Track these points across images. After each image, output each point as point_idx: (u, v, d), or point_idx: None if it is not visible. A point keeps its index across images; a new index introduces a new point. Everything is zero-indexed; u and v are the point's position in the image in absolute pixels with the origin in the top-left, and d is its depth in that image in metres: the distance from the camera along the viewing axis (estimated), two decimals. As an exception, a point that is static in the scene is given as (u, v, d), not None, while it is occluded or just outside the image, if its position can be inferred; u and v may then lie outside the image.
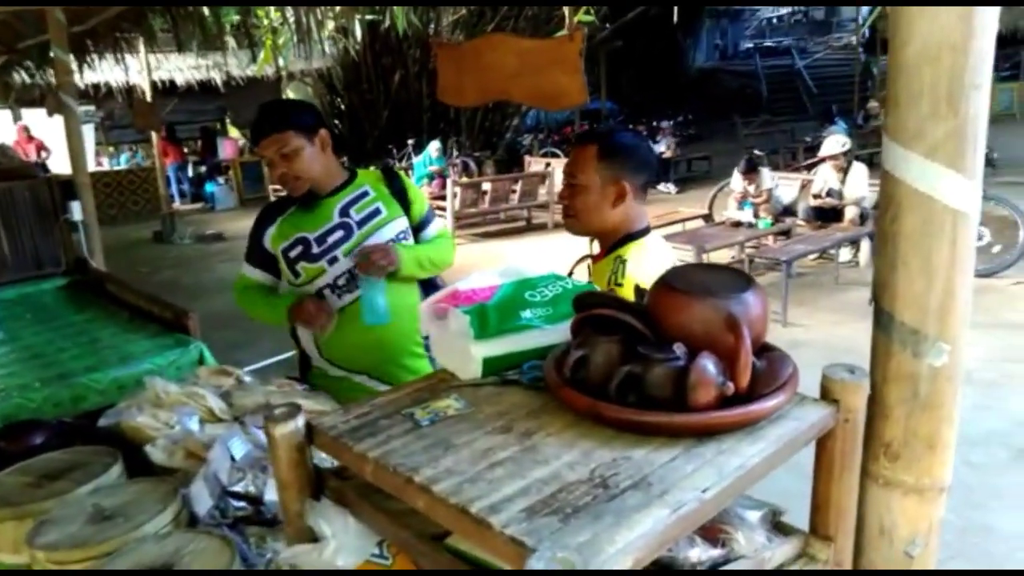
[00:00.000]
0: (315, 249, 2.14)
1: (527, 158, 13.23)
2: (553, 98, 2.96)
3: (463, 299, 1.19)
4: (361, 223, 2.14)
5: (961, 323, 1.07)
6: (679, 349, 0.98)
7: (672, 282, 1.07)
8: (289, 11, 4.24)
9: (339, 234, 2.14)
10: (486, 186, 10.27)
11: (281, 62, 6.52)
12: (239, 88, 13.38)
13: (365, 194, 2.18)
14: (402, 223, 2.21)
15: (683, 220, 7.88)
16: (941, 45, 0.98)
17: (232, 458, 1.77)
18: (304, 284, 2.19)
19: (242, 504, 1.68)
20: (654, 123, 14.55)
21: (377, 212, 2.17)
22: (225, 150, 14.94)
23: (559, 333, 1.19)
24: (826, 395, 1.06)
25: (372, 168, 2.39)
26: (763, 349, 1.10)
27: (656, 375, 0.99)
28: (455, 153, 12.94)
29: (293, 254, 2.16)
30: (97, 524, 1.44)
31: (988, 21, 0.98)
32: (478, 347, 1.15)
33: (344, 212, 2.14)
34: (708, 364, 0.96)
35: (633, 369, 1.00)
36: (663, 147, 13.08)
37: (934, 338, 1.06)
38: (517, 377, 1.16)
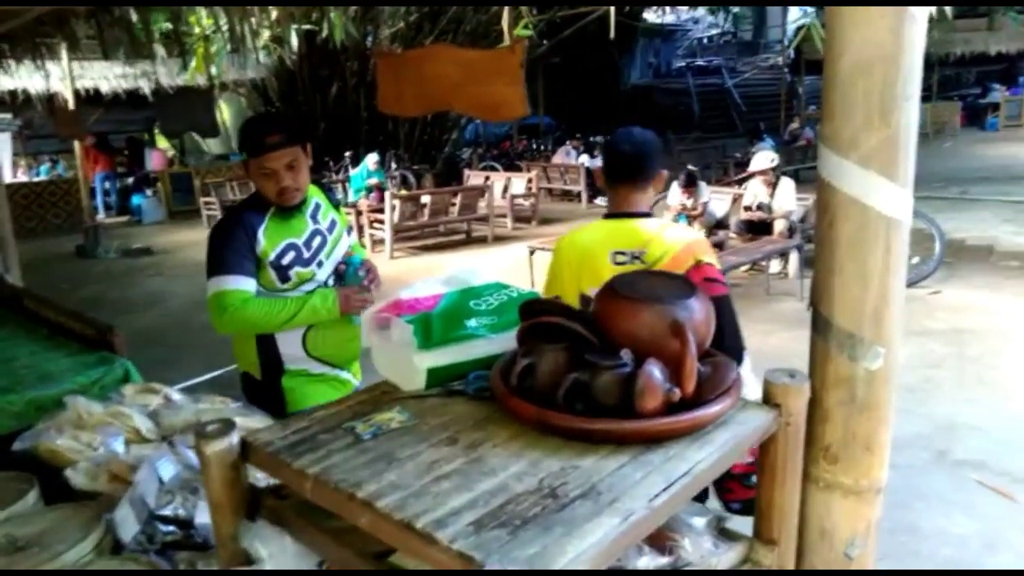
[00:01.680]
0: (306, 254, 2.19)
1: (466, 171, 13.23)
2: (494, 109, 2.95)
3: (406, 308, 1.16)
4: (328, 230, 2.25)
5: (895, 327, 1.10)
6: (626, 355, 0.98)
7: (618, 289, 1.07)
8: (222, 18, 4.13)
9: (318, 240, 2.23)
10: (425, 199, 10.20)
11: (214, 71, 6.33)
12: (169, 97, 12.96)
13: (319, 205, 2.27)
14: (346, 233, 2.35)
15: (621, 233, 7.97)
16: (874, 58, 1.02)
17: (160, 480, 1.69)
18: (291, 288, 2.19)
19: (171, 528, 1.60)
20: (591, 138, 14.77)
21: (334, 222, 2.28)
22: (153, 161, 14.43)
23: (505, 342, 1.18)
24: (768, 399, 1.08)
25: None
26: (707, 355, 1.11)
27: (603, 382, 0.98)
28: (393, 166, 12.84)
29: (286, 260, 2.16)
30: (9, 556, 1.34)
31: (916, 36, 1.02)
32: (422, 357, 1.12)
33: (314, 219, 2.23)
34: (655, 370, 0.96)
35: (580, 377, 0.99)
36: (600, 162, 13.27)
37: (870, 342, 1.09)
38: (462, 388, 1.13)
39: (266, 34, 6.06)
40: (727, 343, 2.01)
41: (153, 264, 10.01)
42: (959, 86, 19.90)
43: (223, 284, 2.07)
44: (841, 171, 1.06)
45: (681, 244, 1.88)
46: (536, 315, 1.08)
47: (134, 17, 4.50)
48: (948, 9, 3.93)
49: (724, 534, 1.13)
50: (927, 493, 3.49)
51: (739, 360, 2.09)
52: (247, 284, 2.09)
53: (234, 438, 1.02)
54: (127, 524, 1.53)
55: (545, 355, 1.03)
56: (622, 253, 1.87)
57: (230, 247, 2.08)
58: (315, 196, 2.28)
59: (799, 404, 1.07)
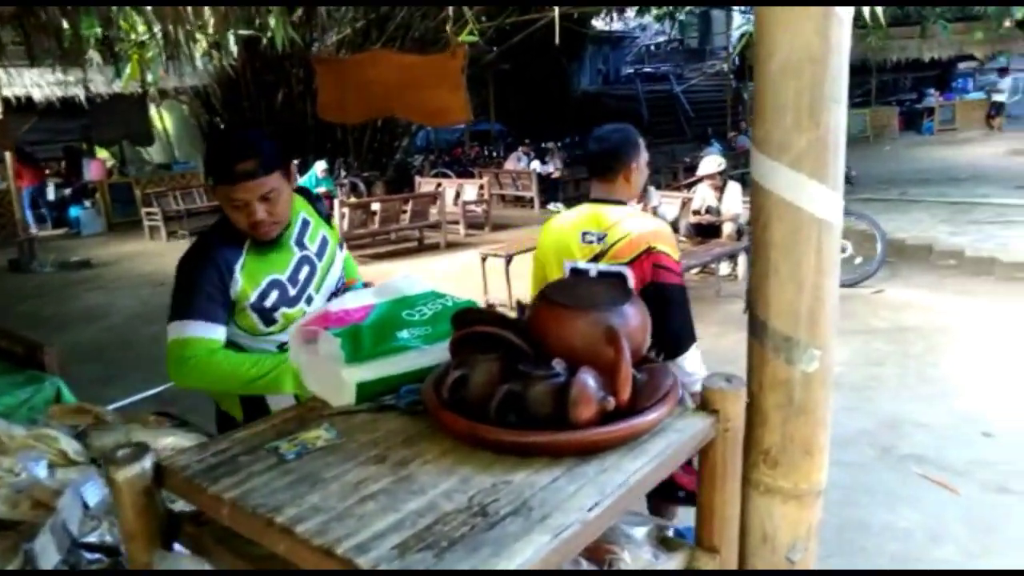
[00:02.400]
0: (292, 292, 1.85)
1: (417, 178, 13.14)
2: (436, 114, 2.92)
3: (334, 320, 1.12)
4: (318, 255, 1.90)
5: (830, 329, 1.10)
6: (559, 365, 0.95)
7: (552, 296, 1.04)
8: (156, 24, 4.00)
9: (306, 269, 1.88)
10: (375, 207, 10.08)
11: (150, 78, 6.13)
12: (101, 105, 12.54)
13: (307, 223, 1.92)
14: (339, 249, 2.02)
15: (572, 238, 8.01)
16: (802, 59, 1.01)
17: (85, 505, 1.60)
18: (278, 332, 1.85)
19: (97, 556, 1.52)
20: (542, 144, 14.84)
21: (325, 241, 1.94)
22: (91, 171, 13.96)
23: (439, 353, 1.14)
24: (706, 405, 1.06)
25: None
26: (643, 361, 1.09)
27: (536, 393, 0.95)
28: (343, 174, 12.67)
29: (269, 302, 1.81)
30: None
31: (843, 38, 1.02)
32: (351, 371, 1.07)
33: (300, 244, 1.88)
34: (588, 379, 0.94)
35: (513, 387, 0.95)
36: (551, 168, 13.34)
37: (805, 344, 1.08)
38: (394, 402, 1.09)
39: (204, 41, 5.91)
40: (675, 330, 2.10)
41: (92, 277, 9.67)
42: (896, 91, 20.60)
43: (187, 330, 1.71)
44: (773, 174, 1.06)
45: (638, 231, 2.13)
46: (469, 325, 1.05)
47: (64, 23, 4.33)
48: (880, 12, 4.04)
49: (664, 543, 1.11)
50: (874, 489, 3.56)
51: (684, 350, 2.14)
52: (215, 332, 1.74)
53: (147, 463, 0.96)
54: (47, 553, 1.44)
55: (478, 366, 1.00)
56: (589, 234, 2.20)
57: (199, 287, 1.74)
58: (301, 211, 1.92)
59: (736, 409, 1.05)
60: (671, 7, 14.07)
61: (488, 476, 0.90)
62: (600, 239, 2.17)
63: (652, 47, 28.58)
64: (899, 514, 3.30)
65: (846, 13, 1.01)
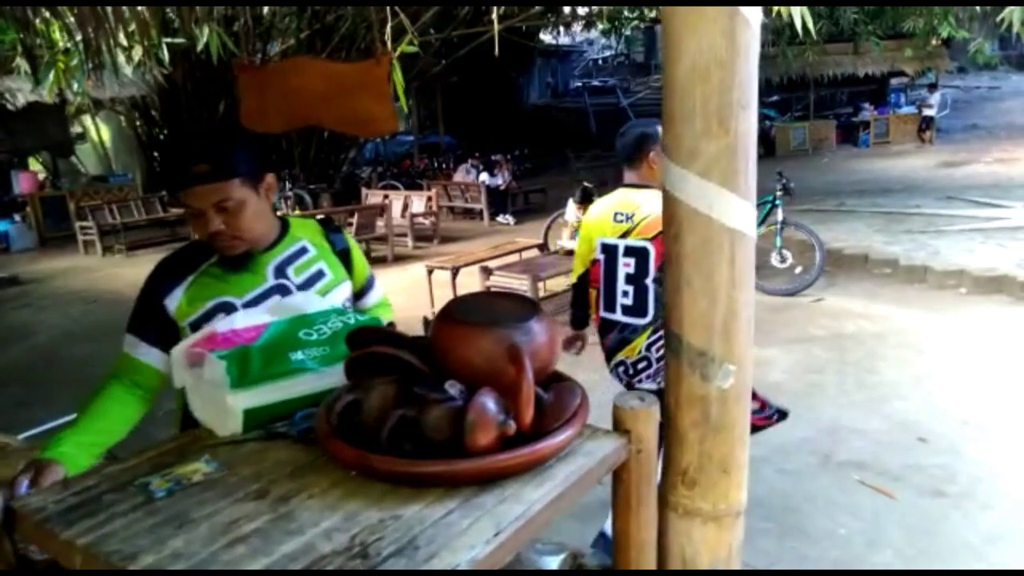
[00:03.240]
0: None
1: (365, 190, 12.96)
2: (362, 124, 2.83)
3: (221, 342, 1.03)
4: (303, 287, 1.62)
5: (745, 343, 1.06)
6: (453, 388, 0.88)
7: (453, 313, 0.97)
8: (77, 31, 3.82)
9: (274, 299, 1.61)
10: (319, 219, 9.89)
11: (75, 87, 5.88)
12: (18, 114, 12.00)
13: (304, 250, 1.69)
14: (346, 289, 1.75)
15: (519, 250, 7.98)
16: (710, 63, 0.98)
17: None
18: None
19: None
20: (491, 156, 14.82)
21: (321, 274, 1.68)
22: (21, 184, 13.39)
23: (338, 376, 1.06)
24: (618, 425, 1.01)
25: (304, 217, 1.89)
26: (554, 379, 1.03)
27: (432, 418, 0.88)
28: (288, 186, 12.42)
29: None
30: None
31: (751, 42, 0.98)
32: (237, 397, 0.98)
33: (280, 272, 1.61)
34: (488, 402, 0.87)
35: (407, 412, 0.88)
36: (500, 180, 13.32)
37: (720, 359, 1.04)
38: (285, 430, 1.01)
39: (137, 51, 5.70)
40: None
41: (20, 295, 9.23)
42: (833, 105, 21.23)
43: (126, 343, 1.55)
44: (683, 182, 1.01)
45: (655, 214, 2.37)
46: (365, 345, 0.97)
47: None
48: (811, 27, 4.11)
49: (581, 571, 1.05)
50: (814, 496, 3.58)
51: None
52: (143, 352, 1.53)
53: (-4, 506, 0.85)
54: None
55: (372, 390, 0.93)
56: (620, 214, 2.58)
57: (142, 298, 1.59)
58: (303, 238, 1.70)
59: (649, 430, 1.00)
60: (617, 23, 14.21)
61: (376, 511, 0.82)
62: (628, 218, 2.55)
63: (600, 61, 29.01)
64: (838, 521, 3.32)
65: (753, 16, 0.97)
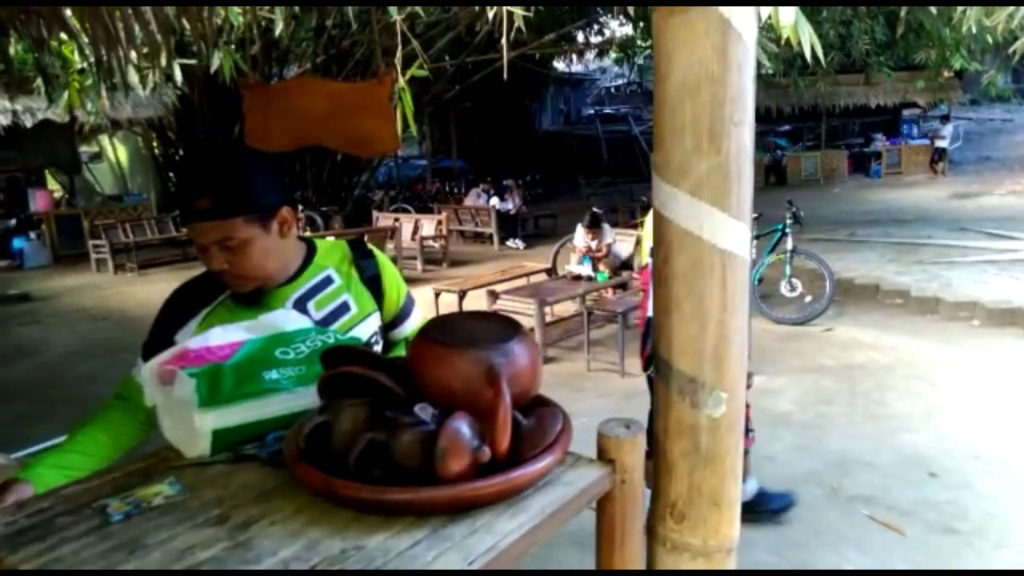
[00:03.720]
0: None
1: (376, 213, 13.02)
2: (364, 143, 2.82)
3: (193, 359, 0.99)
4: (323, 323, 1.47)
5: (738, 370, 1.02)
6: (424, 411, 0.84)
7: (431, 333, 0.94)
8: (90, 51, 3.86)
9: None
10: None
11: (89, 106, 5.95)
12: (29, 132, 12.17)
13: (328, 281, 1.55)
14: (374, 322, 1.59)
15: (527, 274, 7.95)
16: (701, 78, 0.94)
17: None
18: None
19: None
20: (503, 181, 14.87)
21: (345, 308, 1.53)
22: (38, 202, 13.54)
23: (314, 397, 1.02)
24: (602, 454, 0.96)
25: (333, 237, 1.76)
26: (536, 404, 0.98)
27: (403, 443, 0.84)
28: (300, 208, 12.49)
29: None
30: None
31: (743, 57, 0.95)
32: (205, 417, 0.95)
33: (300, 307, 1.48)
34: (461, 426, 0.83)
35: (376, 436, 0.84)
36: (511, 204, 13.35)
37: (711, 386, 0.99)
38: (255, 452, 0.97)
39: (155, 72, 5.79)
40: None
41: (30, 311, 9.28)
42: (845, 136, 21.22)
43: (135, 368, 1.43)
44: (673, 201, 0.98)
45: None
46: (337, 365, 0.94)
47: (12, 48, 4.17)
48: (820, 57, 4.10)
49: (579, 571, 1.00)
50: (821, 530, 3.49)
51: None
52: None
53: (-57, 526, 0.82)
54: None
55: (343, 412, 0.89)
56: None
57: (156, 328, 1.50)
58: (328, 267, 1.55)
59: (634, 459, 0.95)
60: (629, 51, 14.32)
61: (340, 540, 0.78)
62: None
63: (612, 89, 29.21)
64: (845, 556, 3.23)
65: (747, 32, 0.94)
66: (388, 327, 1.63)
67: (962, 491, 3.71)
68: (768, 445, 4.34)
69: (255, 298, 1.42)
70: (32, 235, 13.14)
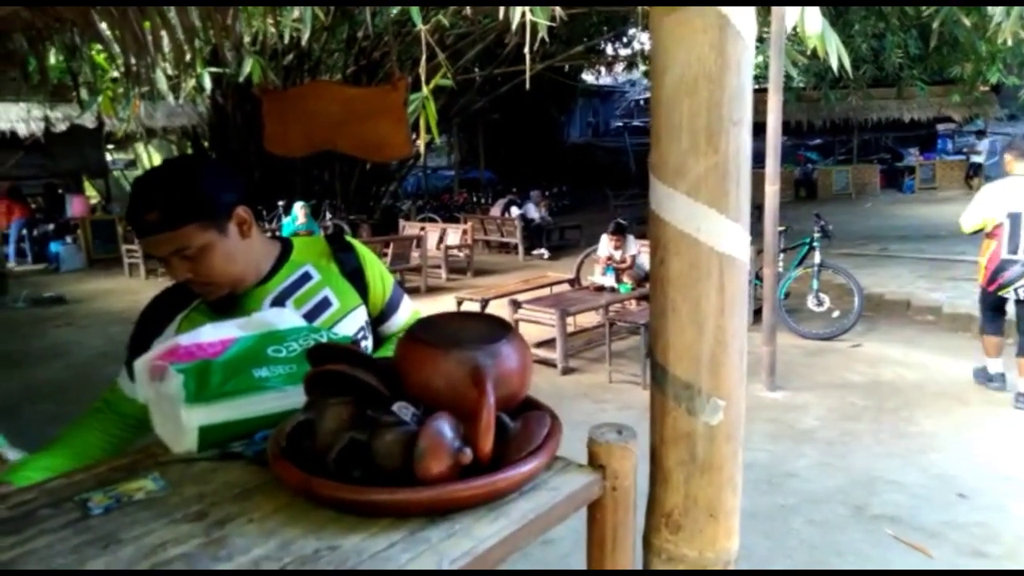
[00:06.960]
0: None
1: (402, 222, 13.11)
2: (377, 148, 2.83)
3: (182, 355, 0.99)
4: (305, 320, 1.41)
5: (736, 376, 0.98)
6: (404, 410, 0.83)
7: (418, 332, 0.92)
8: (120, 59, 3.95)
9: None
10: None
11: (122, 114, 6.08)
12: (59, 137, 12.45)
13: (306, 277, 1.50)
14: (360, 316, 1.54)
15: (551, 284, 7.92)
16: (698, 75, 0.92)
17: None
18: None
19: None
20: (530, 192, 14.90)
21: (326, 304, 1.48)
22: (74, 208, 13.88)
23: (304, 396, 1.01)
24: (593, 460, 0.93)
25: (313, 234, 1.73)
26: (526, 407, 0.96)
27: (384, 443, 0.82)
28: (328, 216, 12.63)
29: None
30: None
31: (742, 55, 0.93)
32: (192, 413, 0.94)
33: (278, 305, 1.45)
34: (442, 427, 0.81)
35: (357, 436, 0.83)
36: (536, 215, 13.36)
37: (708, 393, 0.96)
38: (241, 450, 0.96)
39: (188, 80, 5.91)
40: None
41: (64, 314, 9.49)
42: (877, 150, 20.90)
43: (120, 374, 1.47)
44: (669, 202, 0.95)
45: None
46: (322, 363, 0.93)
47: (52, 58, 4.28)
48: (848, 67, 4.04)
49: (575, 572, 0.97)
50: (844, 550, 3.41)
51: None
52: (129, 386, 1.40)
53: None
54: None
55: (327, 410, 0.87)
56: None
57: (135, 335, 1.49)
58: (306, 263, 1.51)
59: (626, 465, 0.93)
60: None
61: (315, 540, 0.76)
62: None
63: (641, 102, 29.16)
64: (868, 579, 3.14)
65: (747, 29, 0.92)
66: (377, 321, 1.60)
67: (993, 513, 3.59)
68: (791, 461, 4.25)
69: (227, 305, 1.39)
70: (68, 239, 13.47)
